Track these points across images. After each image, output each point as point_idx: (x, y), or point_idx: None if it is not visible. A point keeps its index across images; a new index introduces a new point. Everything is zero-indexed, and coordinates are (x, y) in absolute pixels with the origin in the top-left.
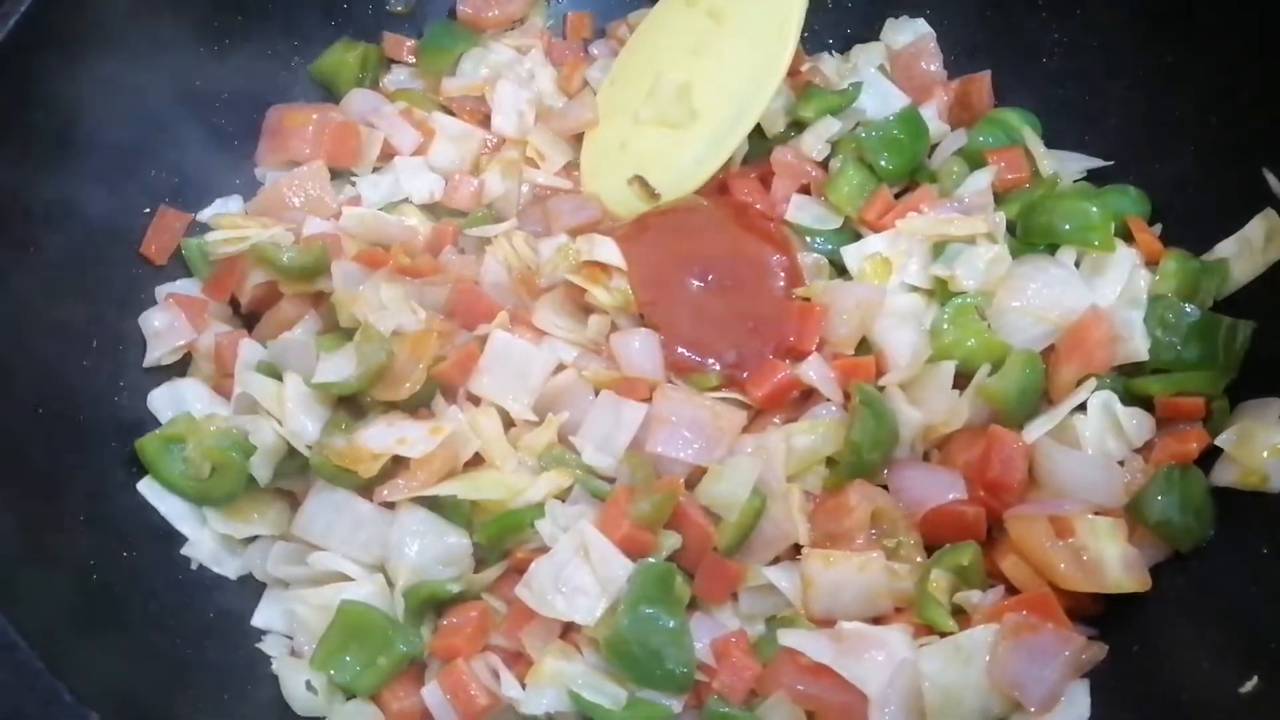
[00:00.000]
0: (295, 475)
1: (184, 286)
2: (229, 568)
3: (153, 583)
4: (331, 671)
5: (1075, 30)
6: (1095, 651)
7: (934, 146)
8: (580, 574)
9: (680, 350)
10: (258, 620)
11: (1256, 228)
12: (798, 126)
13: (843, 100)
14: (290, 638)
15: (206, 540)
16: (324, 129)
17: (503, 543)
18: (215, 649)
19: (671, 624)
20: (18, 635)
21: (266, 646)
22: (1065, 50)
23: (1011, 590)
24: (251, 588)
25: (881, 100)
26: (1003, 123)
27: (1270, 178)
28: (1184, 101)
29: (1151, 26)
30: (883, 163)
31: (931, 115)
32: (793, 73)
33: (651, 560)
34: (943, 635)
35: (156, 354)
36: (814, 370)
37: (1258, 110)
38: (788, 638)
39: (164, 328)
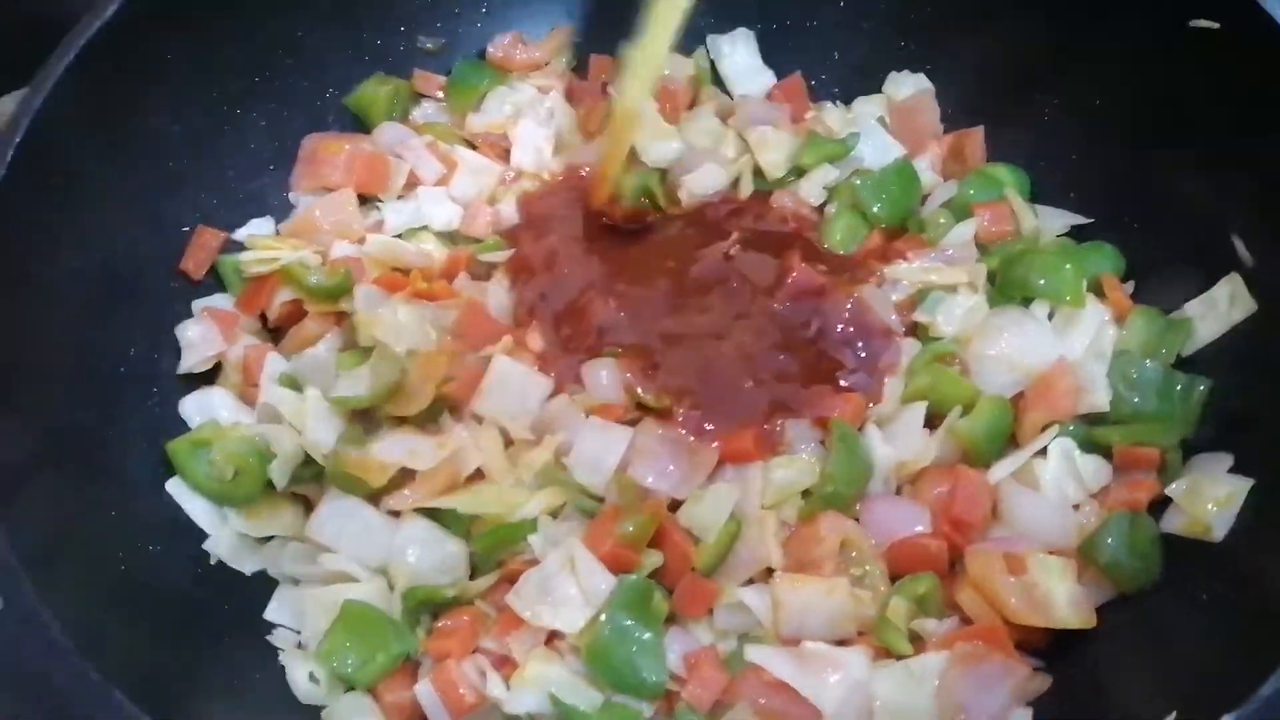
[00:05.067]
0: (310, 481)
1: (218, 301)
2: (246, 564)
3: (174, 576)
4: (333, 664)
5: (1065, 95)
6: (1040, 682)
7: (926, 196)
8: (567, 586)
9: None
10: (269, 614)
11: (1222, 290)
12: (798, 172)
13: (841, 149)
14: (298, 631)
15: (227, 538)
16: (355, 159)
17: (497, 553)
18: (229, 639)
19: (648, 636)
20: (52, 618)
21: (276, 639)
22: (1055, 112)
23: (966, 621)
24: (265, 584)
25: (879, 150)
26: (991, 177)
27: (1238, 243)
28: (1162, 167)
29: (1135, 97)
30: (875, 210)
31: (925, 167)
32: (796, 120)
33: (633, 576)
34: (899, 659)
35: (190, 362)
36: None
37: (1232, 181)
38: (754, 653)
39: (198, 338)
